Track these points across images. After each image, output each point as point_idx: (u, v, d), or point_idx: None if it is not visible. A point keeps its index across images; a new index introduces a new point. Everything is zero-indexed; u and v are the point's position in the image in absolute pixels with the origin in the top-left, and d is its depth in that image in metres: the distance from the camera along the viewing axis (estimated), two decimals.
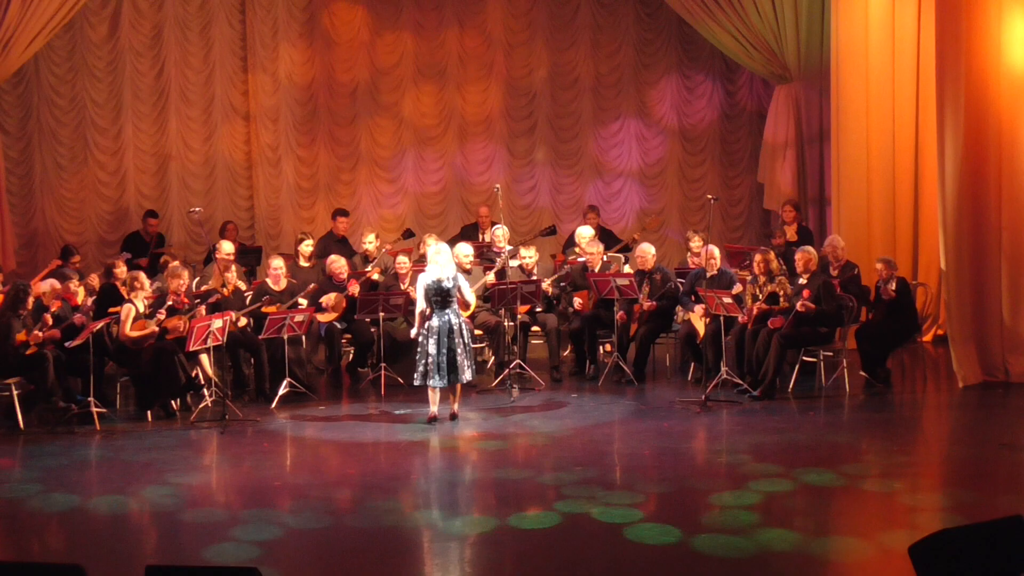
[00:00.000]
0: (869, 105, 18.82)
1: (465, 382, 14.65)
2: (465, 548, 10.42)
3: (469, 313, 16.64)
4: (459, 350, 14.36)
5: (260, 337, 15.78)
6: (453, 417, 14.54)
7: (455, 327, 14.37)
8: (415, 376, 14.54)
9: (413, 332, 14.85)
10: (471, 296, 15.13)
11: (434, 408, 14.49)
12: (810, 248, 16.09)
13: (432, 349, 14.32)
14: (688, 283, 16.69)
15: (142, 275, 15.74)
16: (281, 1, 21.81)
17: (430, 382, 14.36)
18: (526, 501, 11.50)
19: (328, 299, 16.90)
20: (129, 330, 15.15)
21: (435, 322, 14.35)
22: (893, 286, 15.90)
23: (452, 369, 14.36)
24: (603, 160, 22.59)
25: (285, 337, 15.68)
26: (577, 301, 17.05)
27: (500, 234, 18.10)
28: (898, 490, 11.71)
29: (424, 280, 14.43)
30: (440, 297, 14.36)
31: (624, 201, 22.52)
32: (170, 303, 15.36)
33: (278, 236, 21.75)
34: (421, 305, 14.59)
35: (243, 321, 15.99)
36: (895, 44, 18.78)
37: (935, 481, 12.47)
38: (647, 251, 16.94)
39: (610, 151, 22.59)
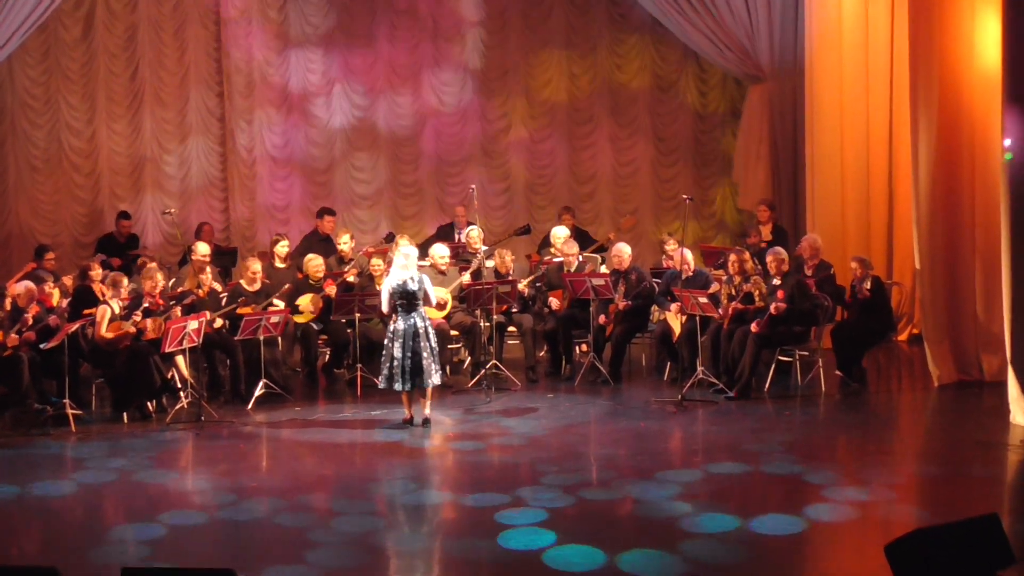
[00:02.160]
0: (843, 105, 18.88)
1: (431, 386, 14.57)
2: (437, 550, 10.44)
3: (445, 314, 16.66)
4: (424, 354, 14.30)
5: (236, 338, 15.76)
6: (425, 422, 14.42)
7: (420, 330, 14.32)
8: (380, 379, 14.53)
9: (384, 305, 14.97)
10: (434, 298, 15.08)
11: (409, 411, 14.47)
12: (780, 249, 16.13)
13: (397, 352, 14.27)
14: (664, 283, 16.71)
15: (124, 278, 15.72)
16: (255, 3, 21.75)
17: (395, 386, 14.34)
18: (501, 504, 11.47)
19: (304, 300, 16.89)
20: (104, 331, 15.12)
21: (400, 325, 14.30)
22: (868, 285, 15.94)
23: (416, 373, 14.29)
24: (577, 160, 22.58)
25: (261, 338, 15.67)
26: (553, 301, 17.06)
27: (475, 235, 18.11)
28: (874, 489, 11.74)
29: (389, 283, 14.40)
30: (405, 300, 14.31)
31: (598, 201, 22.53)
32: (145, 305, 15.33)
33: (253, 238, 21.68)
34: (384, 309, 14.59)
35: (219, 323, 15.96)
36: (868, 43, 18.85)
37: (911, 480, 12.50)
38: (623, 251, 16.95)
39: (583, 151, 22.59)
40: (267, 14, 21.83)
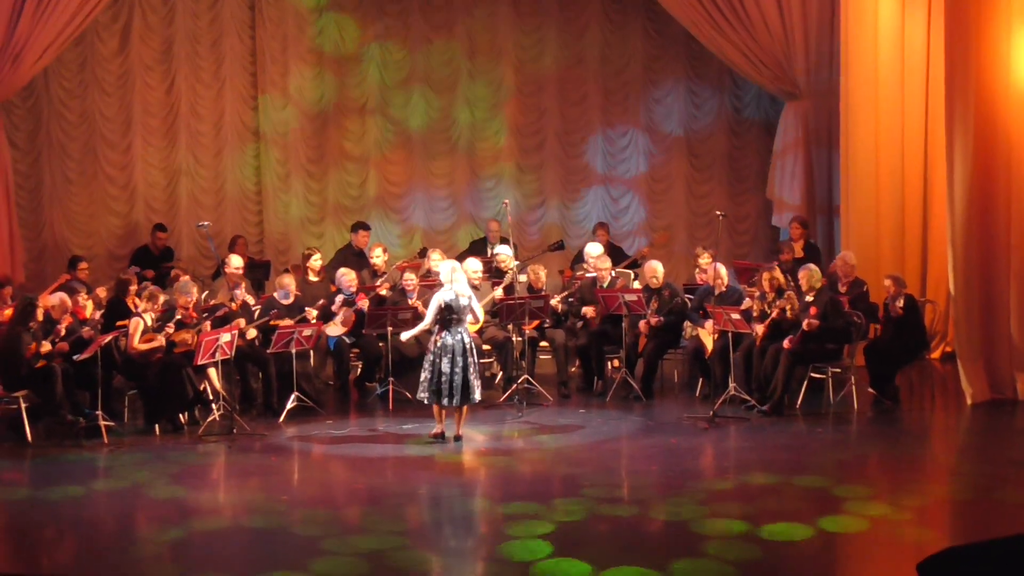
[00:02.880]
0: (878, 122, 18.81)
1: (474, 403, 14.59)
2: (473, 565, 10.42)
3: (477, 328, 16.65)
4: (471, 370, 14.31)
5: (268, 351, 15.80)
6: (457, 439, 14.39)
7: (467, 346, 14.31)
8: (424, 394, 14.40)
9: (406, 335, 15.10)
10: (480, 311, 15.10)
11: (440, 425, 14.46)
12: (812, 266, 16.08)
13: (446, 368, 14.20)
14: (697, 299, 16.69)
15: (160, 291, 15.80)
16: (291, 16, 21.82)
17: (443, 401, 14.32)
18: (532, 519, 11.44)
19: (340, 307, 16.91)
20: (137, 343, 15.18)
21: (449, 340, 14.27)
22: (901, 303, 15.89)
23: (462, 389, 14.27)
24: (611, 176, 22.59)
25: (293, 351, 15.70)
26: (588, 309, 17.00)
27: (503, 257, 18.04)
28: (906, 507, 11.69)
29: (443, 297, 14.32)
30: (456, 315, 14.30)
31: (632, 217, 22.52)
32: (179, 317, 15.39)
33: (287, 251, 21.73)
34: (428, 322, 14.61)
35: (252, 333, 15.97)
36: (904, 61, 18.80)
37: (943, 498, 12.44)
38: (656, 268, 16.93)
39: (618, 167, 22.60)
40: (303, 29, 21.89)
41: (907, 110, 18.86)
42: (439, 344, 14.30)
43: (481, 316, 15.19)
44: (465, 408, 14.50)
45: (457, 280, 14.38)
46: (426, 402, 14.46)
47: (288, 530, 11.21)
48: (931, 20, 18.39)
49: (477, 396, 14.47)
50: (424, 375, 14.41)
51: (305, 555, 10.41)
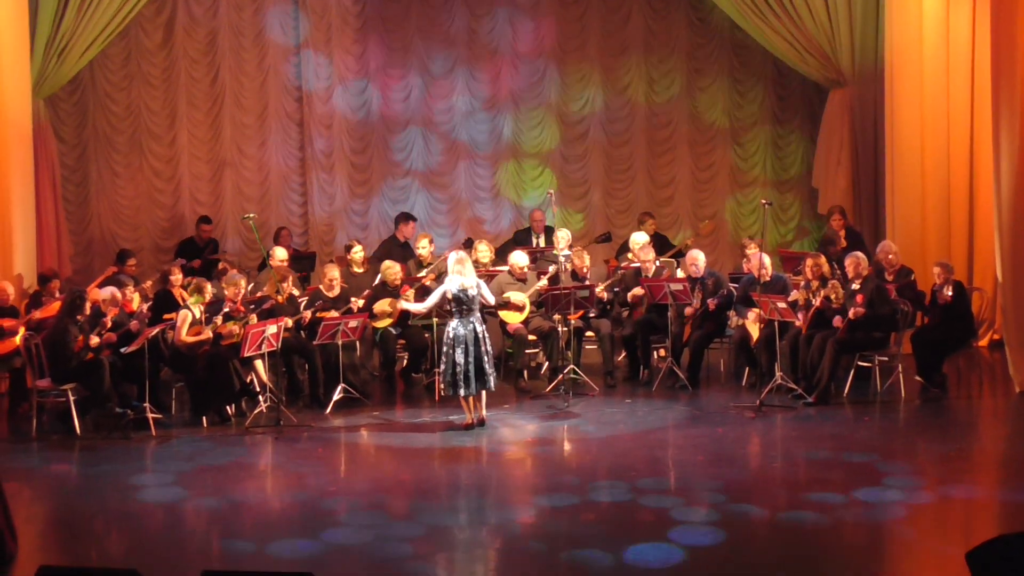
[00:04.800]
0: (923, 109, 18.70)
1: (492, 389, 14.72)
2: (511, 555, 10.44)
3: (523, 318, 16.66)
4: (485, 358, 14.47)
5: (314, 343, 15.84)
6: (481, 423, 14.57)
7: (480, 335, 14.48)
8: (444, 387, 14.61)
9: (407, 305, 15.79)
10: (492, 298, 15.18)
11: (470, 416, 14.56)
12: (859, 253, 16.00)
13: (460, 359, 14.38)
14: (741, 288, 16.63)
15: (208, 284, 15.86)
16: (334, 8, 21.80)
17: (460, 391, 14.42)
18: (579, 509, 11.47)
19: (381, 305, 16.90)
20: (185, 336, 15.24)
21: (460, 331, 14.43)
22: (949, 290, 15.81)
23: (479, 376, 14.43)
24: (655, 164, 22.52)
25: (339, 343, 15.74)
26: (637, 289, 16.91)
27: (560, 235, 18.01)
28: (954, 495, 11.65)
29: (449, 288, 14.50)
30: (466, 305, 14.45)
31: (676, 206, 22.45)
32: (226, 309, 15.45)
33: (331, 242, 21.76)
34: (425, 307, 15.13)
35: (290, 322, 15.91)
36: (950, 48, 18.67)
37: (992, 486, 12.39)
38: (696, 257, 16.87)
39: (662, 156, 22.52)
40: (346, 19, 21.89)
41: (952, 96, 18.74)
42: (451, 336, 14.49)
43: (492, 301, 15.26)
44: (484, 394, 14.65)
45: (464, 272, 14.56)
46: (449, 394, 14.64)
47: (336, 521, 11.28)
48: (976, 6, 18.27)
49: (492, 384, 14.63)
50: (441, 367, 14.62)
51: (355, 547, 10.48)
